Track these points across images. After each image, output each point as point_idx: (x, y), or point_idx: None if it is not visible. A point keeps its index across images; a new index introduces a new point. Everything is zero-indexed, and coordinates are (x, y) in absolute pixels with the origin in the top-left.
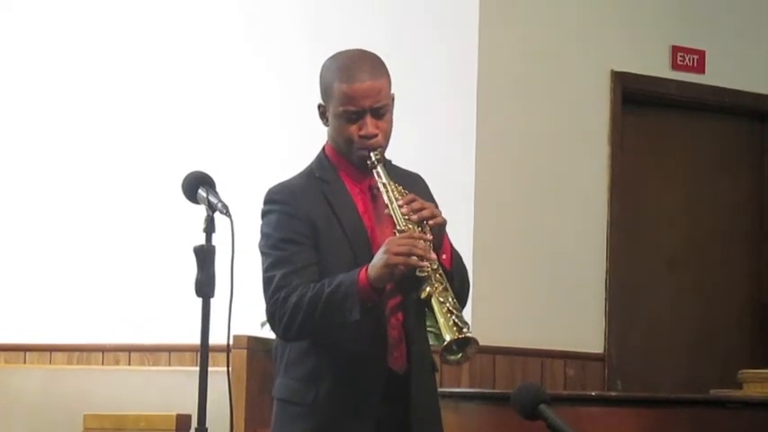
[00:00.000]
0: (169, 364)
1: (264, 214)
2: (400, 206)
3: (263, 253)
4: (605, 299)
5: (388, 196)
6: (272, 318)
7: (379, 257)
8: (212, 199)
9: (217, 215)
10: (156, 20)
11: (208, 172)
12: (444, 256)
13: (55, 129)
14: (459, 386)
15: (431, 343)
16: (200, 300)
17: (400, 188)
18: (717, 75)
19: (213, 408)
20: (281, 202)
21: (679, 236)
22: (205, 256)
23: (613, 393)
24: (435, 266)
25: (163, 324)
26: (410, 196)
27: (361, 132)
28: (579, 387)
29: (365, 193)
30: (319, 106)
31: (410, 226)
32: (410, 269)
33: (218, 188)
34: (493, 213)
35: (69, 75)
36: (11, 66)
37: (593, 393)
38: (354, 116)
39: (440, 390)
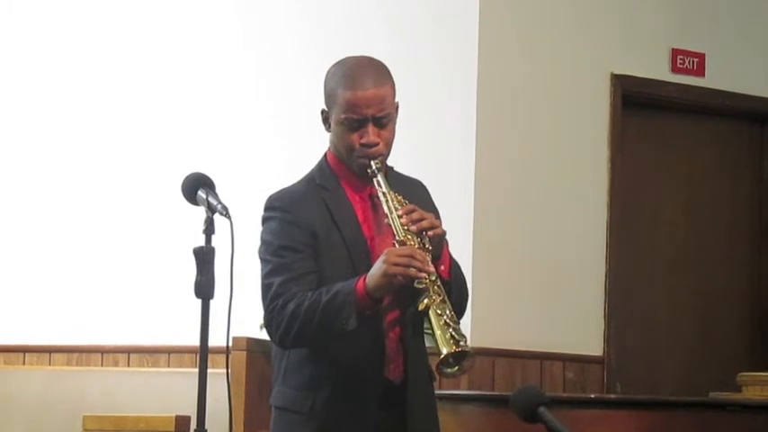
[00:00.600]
0: (168, 366)
1: (265, 221)
2: (399, 216)
3: (262, 260)
4: (605, 301)
5: (388, 206)
6: (270, 325)
7: (377, 267)
8: (212, 200)
9: (216, 217)
10: (155, 21)
11: (207, 173)
12: (443, 267)
13: (54, 131)
14: (458, 388)
15: (427, 345)
16: (199, 301)
17: (400, 197)
18: (717, 78)
19: (212, 409)
20: (281, 210)
21: (679, 238)
22: (205, 257)
23: (613, 396)
24: (434, 278)
25: (162, 325)
26: (410, 206)
27: (363, 141)
28: (578, 389)
29: (365, 202)
30: (322, 112)
31: (409, 236)
32: (408, 280)
33: (218, 190)
34: (492, 215)
35: (68, 79)
36: (10, 67)
37: (592, 396)
38: (356, 124)
39: (439, 392)
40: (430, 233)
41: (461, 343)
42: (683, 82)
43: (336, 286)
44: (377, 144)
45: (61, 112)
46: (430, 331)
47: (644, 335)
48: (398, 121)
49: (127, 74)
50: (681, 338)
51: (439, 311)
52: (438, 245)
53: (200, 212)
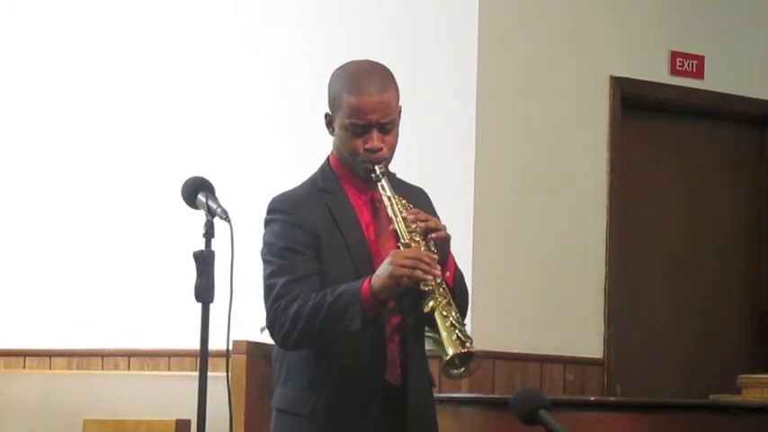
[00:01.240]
0: (169, 370)
1: (267, 223)
2: (405, 218)
3: (264, 261)
4: (605, 304)
5: (393, 209)
6: (272, 326)
7: (384, 269)
8: (212, 204)
9: (216, 220)
10: (155, 22)
11: (207, 177)
12: (447, 274)
13: (54, 133)
14: (458, 391)
15: (428, 348)
16: (199, 305)
17: (404, 201)
18: (716, 80)
19: (212, 413)
20: (284, 212)
21: (678, 241)
22: (204, 261)
23: (613, 398)
24: (439, 281)
25: (162, 329)
26: (415, 209)
27: (367, 146)
28: (578, 392)
29: (368, 206)
30: (326, 115)
31: (414, 240)
32: (415, 282)
33: (218, 192)
34: (492, 218)
35: (68, 81)
36: (10, 68)
37: (592, 398)
38: (361, 129)
39: (439, 395)
40: (434, 235)
41: (468, 344)
42: (682, 84)
43: (341, 287)
44: (381, 149)
45: (61, 114)
46: (433, 335)
47: (644, 337)
48: (399, 123)
49: (127, 75)
50: (681, 341)
51: (445, 313)
52: (443, 250)
53: (199, 216)
